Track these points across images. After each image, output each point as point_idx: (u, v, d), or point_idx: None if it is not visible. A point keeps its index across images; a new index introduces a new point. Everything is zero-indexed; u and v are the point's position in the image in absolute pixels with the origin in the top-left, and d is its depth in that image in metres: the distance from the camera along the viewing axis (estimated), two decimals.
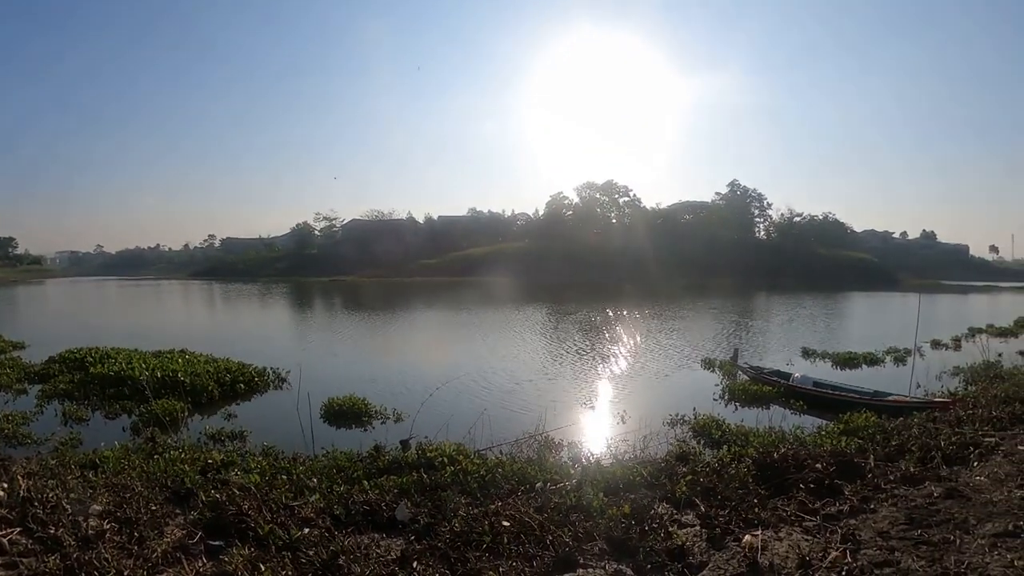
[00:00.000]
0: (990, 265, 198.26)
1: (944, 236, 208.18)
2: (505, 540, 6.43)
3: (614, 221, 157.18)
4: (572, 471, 9.58)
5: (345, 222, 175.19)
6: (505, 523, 6.74)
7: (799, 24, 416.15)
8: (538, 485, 8.63)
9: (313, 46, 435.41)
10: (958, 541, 5.99)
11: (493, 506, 7.43)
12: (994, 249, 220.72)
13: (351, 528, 7.13)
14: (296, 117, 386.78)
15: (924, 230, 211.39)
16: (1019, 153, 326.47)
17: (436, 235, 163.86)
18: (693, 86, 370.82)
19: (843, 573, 5.53)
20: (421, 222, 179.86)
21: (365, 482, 9.10)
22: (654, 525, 6.86)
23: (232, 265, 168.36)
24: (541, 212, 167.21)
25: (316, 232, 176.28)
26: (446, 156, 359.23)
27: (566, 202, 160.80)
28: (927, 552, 5.83)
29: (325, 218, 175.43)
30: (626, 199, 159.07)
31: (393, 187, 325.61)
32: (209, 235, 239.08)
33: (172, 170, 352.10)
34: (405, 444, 12.43)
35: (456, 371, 22.73)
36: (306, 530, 6.69)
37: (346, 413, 17.36)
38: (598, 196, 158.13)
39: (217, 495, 7.57)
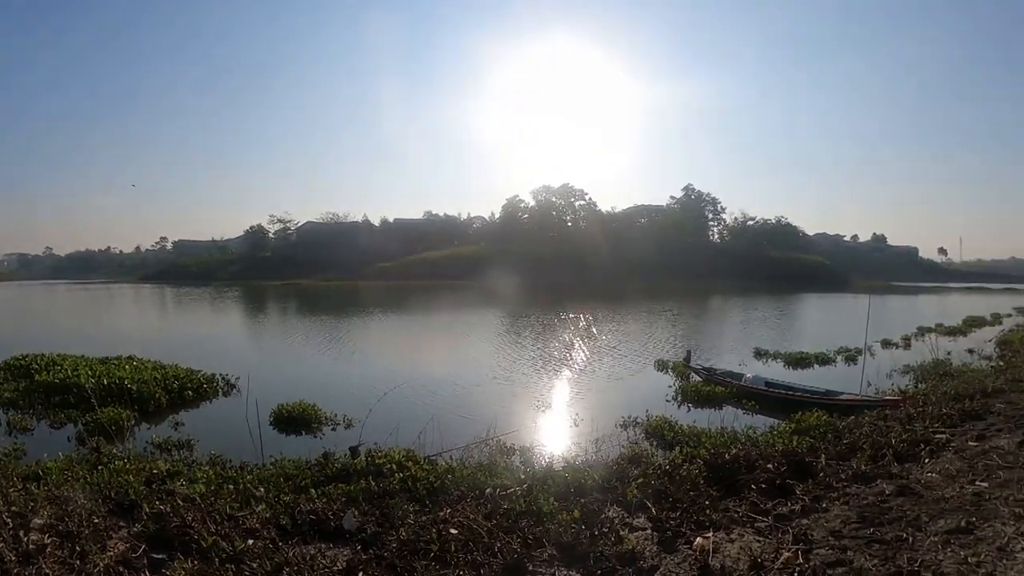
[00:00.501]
0: (939, 267, 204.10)
1: (894, 239, 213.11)
2: (453, 548, 6.26)
3: (570, 224, 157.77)
4: (523, 476, 9.39)
5: (300, 224, 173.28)
6: (453, 531, 6.59)
7: (752, 37, 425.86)
8: (488, 491, 8.43)
9: (272, 48, 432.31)
10: (911, 539, 5.95)
11: (442, 513, 7.30)
12: (943, 251, 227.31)
13: (297, 538, 6.93)
14: (254, 116, 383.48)
15: (875, 233, 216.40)
16: (964, 161, 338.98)
17: (392, 238, 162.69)
18: (650, 93, 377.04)
19: (795, 574, 5.45)
20: (376, 224, 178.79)
21: (313, 491, 8.84)
22: (604, 529, 6.74)
23: (184, 268, 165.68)
24: (497, 215, 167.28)
25: (270, 234, 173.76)
26: (403, 158, 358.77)
27: (522, 205, 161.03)
28: (880, 551, 5.78)
29: (279, 220, 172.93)
30: (582, 202, 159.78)
31: (349, 188, 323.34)
32: (161, 237, 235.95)
33: (125, 170, 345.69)
34: (354, 451, 12.14)
35: (408, 375, 22.43)
36: (250, 541, 6.47)
37: (296, 420, 16.92)
38: (554, 199, 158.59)
39: (161, 507, 7.31)
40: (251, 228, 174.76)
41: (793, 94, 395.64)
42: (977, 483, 7.54)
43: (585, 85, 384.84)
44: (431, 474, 9.46)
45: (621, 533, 6.69)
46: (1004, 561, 5.27)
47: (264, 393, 17.13)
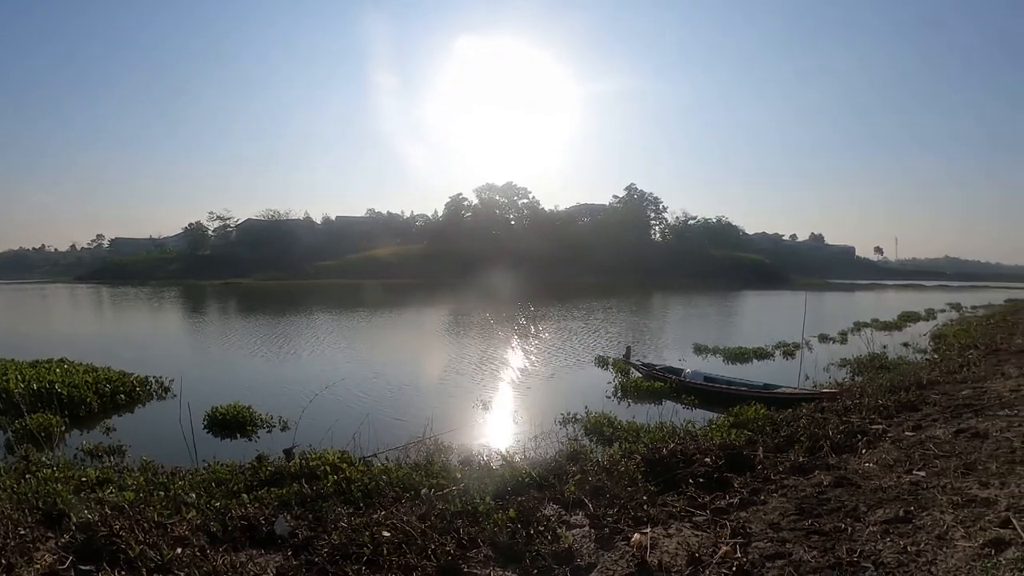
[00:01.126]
0: (875, 265, 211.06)
1: (832, 239, 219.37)
2: (386, 551, 6.02)
3: (513, 223, 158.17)
4: (459, 475, 9.20)
5: (240, 222, 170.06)
6: (386, 533, 6.37)
7: (692, 45, 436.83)
8: (423, 491, 8.27)
9: (216, 47, 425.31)
10: (849, 529, 5.91)
11: (376, 516, 7.07)
12: (879, 250, 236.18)
13: (227, 545, 6.60)
14: (198, 114, 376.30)
15: (813, 233, 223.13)
16: (901, 164, 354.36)
17: (334, 235, 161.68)
18: (595, 93, 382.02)
19: (734, 568, 5.35)
20: (318, 222, 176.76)
21: (244, 495, 8.51)
22: (541, 528, 6.58)
23: (121, 267, 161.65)
24: (440, 213, 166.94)
25: (210, 232, 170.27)
26: (346, 156, 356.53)
27: (465, 203, 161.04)
28: (819, 542, 5.72)
29: (219, 217, 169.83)
30: (525, 201, 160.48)
31: (291, 185, 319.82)
32: (98, 235, 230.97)
33: (60, 164, 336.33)
34: (289, 453, 11.74)
35: (344, 375, 22.06)
36: (179, 550, 6.13)
37: (230, 422, 16.39)
38: (497, 198, 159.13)
39: (89, 516, 6.92)
40: (190, 225, 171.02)
41: (730, 100, 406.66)
42: (914, 472, 7.55)
43: (531, 85, 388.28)
44: (366, 475, 9.21)
45: (558, 531, 6.55)
46: (944, 549, 5.23)
47: (199, 395, 16.81)
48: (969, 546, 5.22)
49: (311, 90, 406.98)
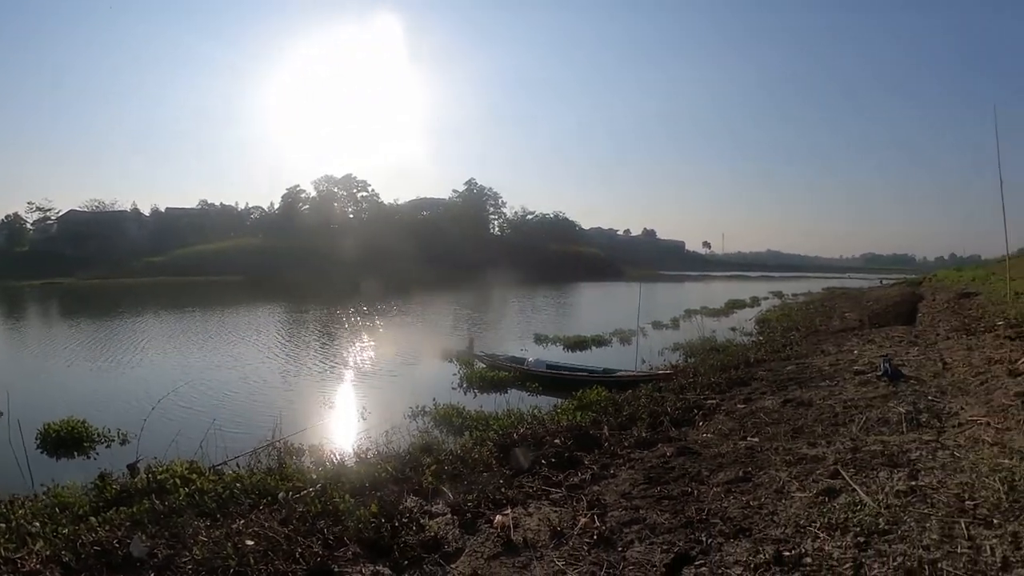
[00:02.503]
0: (704, 258, 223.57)
1: (664, 234, 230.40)
2: (252, 560, 5.91)
3: (351, 216, 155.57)
4: (315, 476, 9.14)
5: (61, 213, 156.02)
6: (249, 542, 6.25)
7: (531, 44, 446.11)
8: (280, 496, 8.13)
9: (32, 21, 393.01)
10: (695, 492, 6.33)
11: (235, 525, 6.93)
12: (707, 245, 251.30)
13: (84, 575, 6.27)
14: (17, 95, 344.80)
15: (645, 228, 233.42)
16: (734, 164, 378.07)
17: (164, 229, 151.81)
18: (438, 91, 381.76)
19: (594, 536, 5.61)
20: (147, 214, 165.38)
21: (92, 519, 7.99)
22: (404, 520, 6.66)
23: None
24: (276, 205, 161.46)
25: (28, 226, 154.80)
26: (178, 144, 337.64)
27: (303, 195, 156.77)
28: (669, 505, 6.08)
29: (39, 208, 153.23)
30: (364, 194, 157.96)
31: (122, 175, 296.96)
32: None
33: None
34: (133, 468, 11.14)
35: (180, 381, 21.00)
36: None
37: (65, 440, 15.10)
38: (336, 190, 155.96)
39: None
40: (6, 218, 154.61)
41: (566, 101, 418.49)
42: (749, 439, 8.14)
43: (377, 78, 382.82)
44: (219, 484, 8.96)
45: (422, 521, 6.67)
46: (783, 501, 5.73)
47: (27, 412, 15.43)
48: (805, 496, 5.73)
49: (144, 75, 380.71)
